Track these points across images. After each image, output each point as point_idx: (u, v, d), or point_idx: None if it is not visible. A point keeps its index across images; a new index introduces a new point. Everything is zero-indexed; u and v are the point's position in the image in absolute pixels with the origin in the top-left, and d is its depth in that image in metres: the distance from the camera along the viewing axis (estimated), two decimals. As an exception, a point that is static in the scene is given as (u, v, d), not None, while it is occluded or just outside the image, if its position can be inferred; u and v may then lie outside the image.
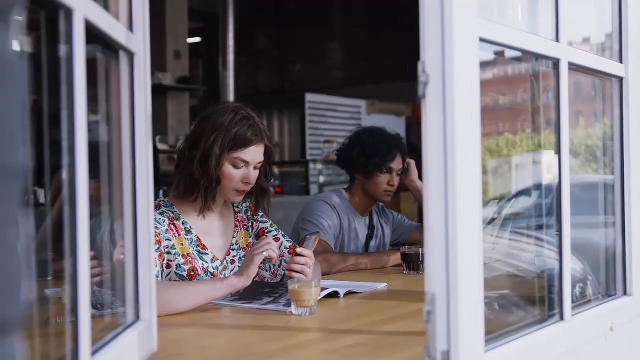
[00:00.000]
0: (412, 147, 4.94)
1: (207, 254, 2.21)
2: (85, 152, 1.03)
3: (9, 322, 0.57)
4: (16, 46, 0.61)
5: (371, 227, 3.13)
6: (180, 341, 1.63)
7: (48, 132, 1.05)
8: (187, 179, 2.18)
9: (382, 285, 2.34)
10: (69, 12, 1.00)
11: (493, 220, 2.20)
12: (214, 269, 2.21)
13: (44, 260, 1.75)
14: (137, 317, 1.37)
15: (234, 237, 2.32)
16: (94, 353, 1.09)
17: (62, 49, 1.02)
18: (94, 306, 1.25)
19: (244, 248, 2.33)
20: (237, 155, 2.15)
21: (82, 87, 1.02)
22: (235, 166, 2.16)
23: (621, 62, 1.82)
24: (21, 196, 0.59)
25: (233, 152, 2.15)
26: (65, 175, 1.01)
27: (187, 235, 2.19)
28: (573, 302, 1.56)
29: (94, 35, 1.11)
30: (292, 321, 1.80)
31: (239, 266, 2.26)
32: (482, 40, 1.25)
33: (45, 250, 1.90)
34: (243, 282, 1.96)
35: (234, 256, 2.30)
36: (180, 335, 1.70)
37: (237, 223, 2.35)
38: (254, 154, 2.18)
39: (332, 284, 2.20)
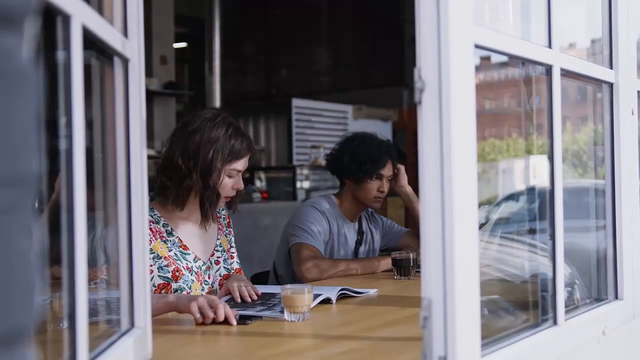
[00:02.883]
0: (399, 152, 4.94)
1: (189, 253, 2.26)
2: (82, 157, 1.02)
3: (24, 330, 0.56)
4: (29, 54, 0.61)
5: (360, 233, 3.13)
6: (174, 348, 1.63)
7: (42, 138, 1.04)
8: (185, 191, 2.22)
9: (373, 291, 2.34)
10: (66, 18, 0.99)
11: (482, 225, 2.21)
12: (197, 268, 2.26)
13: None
14: (132, 324, 1.37)
15: (218, 239, 2.39)
16: (90, 361, 1.08)
17: (60, 55, 1.01)
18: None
19: (227, 250, 2.41)
20: (233, 167, 2.25)
21: (80, 92, 1.02)
22: (230, 176, 2.26)
23: (611, 67, 1.83)
24: (33, 204, 0.59)
25: (230, 164, 2.24)
26: (62, 181, 1.00)
27: (169, 237, 2.24)
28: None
29: (89, 40, 1.11)
30: (285, 327, 1.80)
31: (224, 267, 2.36)
32: (477, 46, 1.26)
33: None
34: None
35: (218, 257, 2.37)
36: (174, 342, 1.69)
37: (220, 227, 2.43)
38: (245, 162, 2.30)
39: (324, 290, 2.20)
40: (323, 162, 3.22)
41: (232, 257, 2.44)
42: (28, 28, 0.61)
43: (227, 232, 2.45)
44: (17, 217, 0.56)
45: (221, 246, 2.39)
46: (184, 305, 1.86)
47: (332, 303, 2.10)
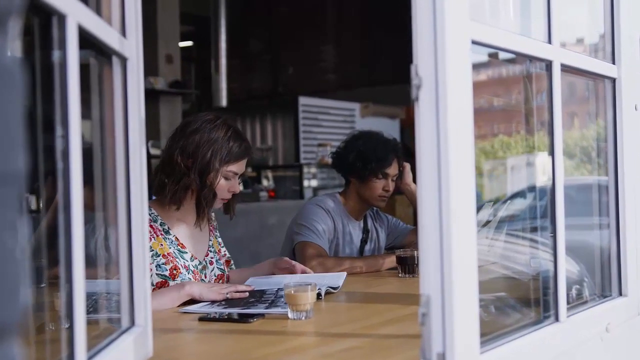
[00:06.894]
0: (406, 150, 4.94)
1: (186, 252, 2.31)
2: (79, 158, 1.02)
3: (8, 327, 0.57)
4: (14, 52, 0.61)
5: (365, 231, 3.13)
6: (175, 347, 1.63)
7: (40, 138, 1.04)
8: (182, 189, 2.26)
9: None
10: (62, 18, 0.99)
11: (488, 222, 2.20)
12: (194, 267, 2.31)
13: (39, 267, 1.74)
14: (132, 322, 1.37)
15: (210, 240, 2.45)
16: (89, 359, 1.09)
17: (55, 54, 1.01)
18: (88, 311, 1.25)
19: (217, 252, 2.46)
20: (230, 169, 2.30)
21: (76, 92, 1.02)
22: (226, 178, 2.30)
23: (614, 63, 1.82)
24: (20, 202, 0.59)
25: (228, 165, 2.28)
26: (59, 181, 1.01)
27: (166, 235, 2.28)
28: (569, 303, 1.56)
29: (86, 40, 1.11)
30: (288, 325, 1.80)
31: (217, 267, 2.42)
32: (474, 42, 1.25)
33: (40, 256, 1.90)
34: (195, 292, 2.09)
35: (211, 257, 2.42)
36: (175, 340, 1.70)
37: (211, 228, 2.49)
38: (242, 166, 2.34)
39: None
40: (329, 161, 3.22)
41: (223, 257, 2.50)
42: (13, 27, 0.61)
43: (216, 234, 2.52)
44: (2, 213, 0.56)
45: (213, 247, 2.45)
46: (206, 297, 2.07)
47: (321, 299, 2.10)
